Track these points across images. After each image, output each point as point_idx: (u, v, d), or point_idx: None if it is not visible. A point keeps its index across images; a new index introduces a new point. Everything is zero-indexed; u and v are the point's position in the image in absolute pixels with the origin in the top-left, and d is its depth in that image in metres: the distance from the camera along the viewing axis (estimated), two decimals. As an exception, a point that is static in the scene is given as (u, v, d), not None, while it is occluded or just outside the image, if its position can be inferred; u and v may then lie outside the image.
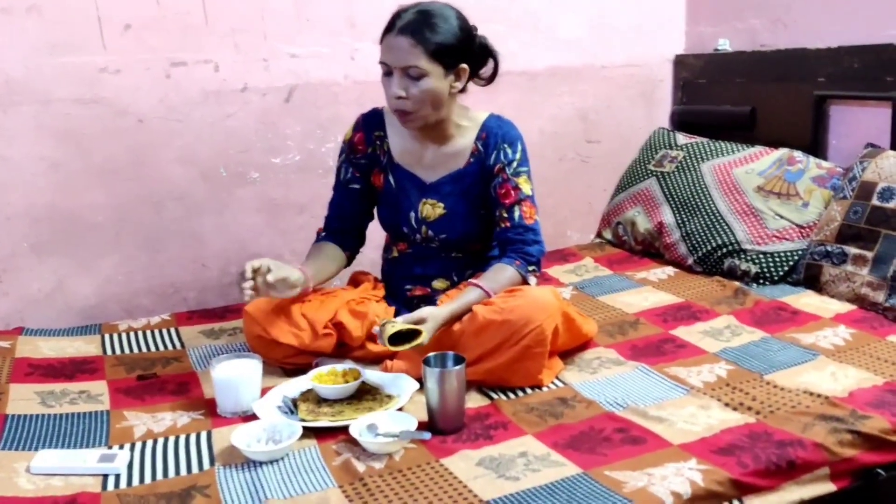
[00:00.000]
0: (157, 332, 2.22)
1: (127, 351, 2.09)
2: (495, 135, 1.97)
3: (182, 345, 2.12)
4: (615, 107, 3.08)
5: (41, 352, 2.05)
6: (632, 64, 3.07)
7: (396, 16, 1.84)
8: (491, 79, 1.98)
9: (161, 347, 2.12)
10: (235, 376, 1.69)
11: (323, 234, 2.10)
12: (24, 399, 1.76)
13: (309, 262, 1.99)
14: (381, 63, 1.85)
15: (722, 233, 2.50)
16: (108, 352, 2.08)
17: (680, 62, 3.13)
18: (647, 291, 2.39)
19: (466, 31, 1.88)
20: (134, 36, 2.34)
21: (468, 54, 1.89)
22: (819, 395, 1.64)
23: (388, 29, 1.83)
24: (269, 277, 1.77)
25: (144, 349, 2.10)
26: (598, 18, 2.97)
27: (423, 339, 1.70)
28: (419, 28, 1.80)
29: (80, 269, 2.40)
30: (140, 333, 2.20)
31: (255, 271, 1.77)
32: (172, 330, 2.23)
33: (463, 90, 1.95)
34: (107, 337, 2.17)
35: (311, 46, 2.52)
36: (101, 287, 2.43)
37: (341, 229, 2.09)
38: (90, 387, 1.85)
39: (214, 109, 2.46)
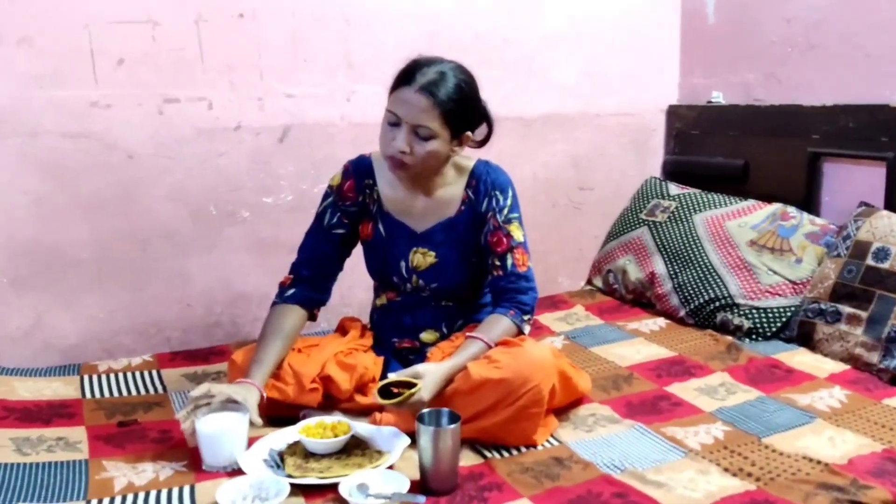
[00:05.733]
0: (138, 373, 2.16)
1: (107, 394, 2.03)
2: (485, 182, 1.93)
3: (164, 388, 2.07)
4: (608, 154, 3.08)
5: (17, 393, 1.98)
6: (625, 112, 3.08)
7: (416, 69, 1.77)
8: (483, 142, 1.94)
9: (142, 391, 2.06)
10: (222, 430, 1.62)
11: (289, 287, 1.94)
12: (0, 446, 1.70)
13: (262, 353, 1.80)
14: (391, 112, 1.78)
15: (715, 286, 2.48)
16: (88, 395, 2.02)
17: (673, 112, 3.14)
18: (639, 343, 2.37)
19: (477, 99, 1.85)
20: (127, 71, 2.30)
21: (474, 121, 1.87)
22: (819, 462, 1.61)
23: (407, 81, 1.76)
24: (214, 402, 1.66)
25: (125, 392, 2.04)
26: (592, 66, 2.97)
27: (422, 394, 1.65)
28: (440, 90, 1.75)
29: (60, 307, 2.33)
30: (121, 375, 2.14)
31: (198, 399, 1.67)
32: (154, 372, 2.17)
33: None
34: (86, 378, 2.11)
35: (307, 86, 2.49)
36: (81, 325, 2.36)
37: (312, 277, 1.95)
38: (68, 433, 1.78)
39: (206, 147, 2.42)
